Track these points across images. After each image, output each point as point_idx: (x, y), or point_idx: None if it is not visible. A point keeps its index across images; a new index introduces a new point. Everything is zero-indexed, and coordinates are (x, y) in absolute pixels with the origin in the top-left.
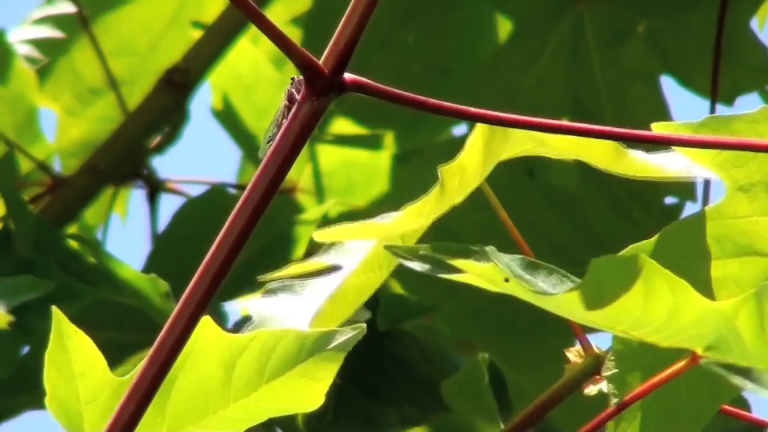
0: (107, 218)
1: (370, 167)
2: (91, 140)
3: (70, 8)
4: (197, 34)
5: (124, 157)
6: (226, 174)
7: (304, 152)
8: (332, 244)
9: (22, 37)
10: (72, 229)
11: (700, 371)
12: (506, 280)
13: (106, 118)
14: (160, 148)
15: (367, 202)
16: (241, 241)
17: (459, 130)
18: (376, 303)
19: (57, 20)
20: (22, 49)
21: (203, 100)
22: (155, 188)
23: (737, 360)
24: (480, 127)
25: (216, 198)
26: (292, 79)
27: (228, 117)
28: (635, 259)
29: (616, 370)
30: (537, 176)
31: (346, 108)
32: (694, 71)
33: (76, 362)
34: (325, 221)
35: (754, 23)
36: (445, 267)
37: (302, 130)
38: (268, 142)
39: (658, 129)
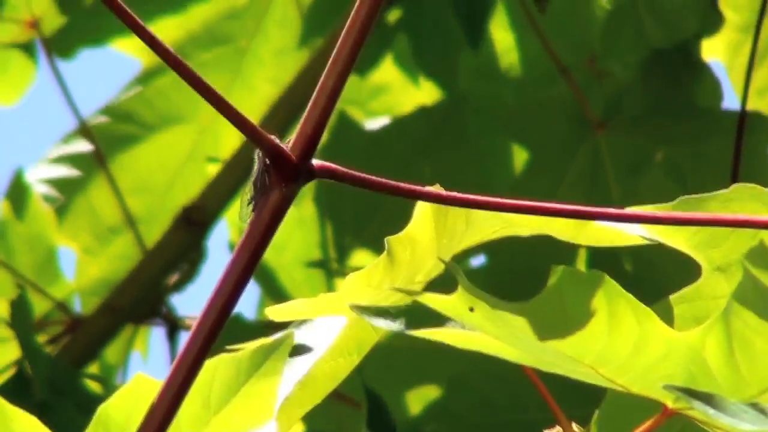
0: (127, 356)
1: None
2: (110, 279)
3: (87, 147)
4: (214, 169)
5: (143, 295)
6: (244, 311)
7: (323, 286)
8: (301, 322)
9: (39, 176)
10: (92, 368)
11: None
12: (471, 310)
13: (124, 256)
14: (178, 286)
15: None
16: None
17: (476, 260)
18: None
19: (74, 159)
20: (40, 188)
21: (221, 236)
22: (174, 326)
23: None
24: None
25: (233, 328)
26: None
27: None
28: (598, 276)
29: None
30: None
31: (364, 240)
32: None
33: None
34: None
35: None
36: (411, 320)
37: (272, 219)
38: (249, 205)
39: (633, 211)
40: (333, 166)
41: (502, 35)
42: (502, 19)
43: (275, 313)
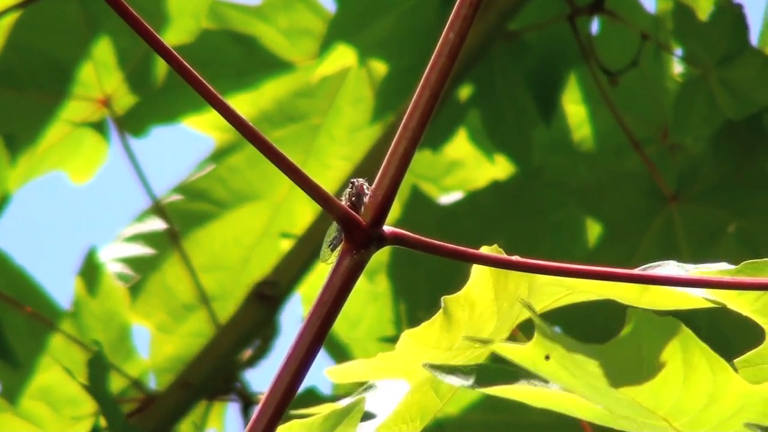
0: None
1: None
2: (184, 356)
3: (161, 225)
4: (287, 245)
5: (217, 371)
6: (319, 386)
7: None
8: (365, 387)
9: (113, 255)
10: None
11: None
12: (547, 358)
13: (198, 333)
14: (252, 362)
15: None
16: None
17: None
18: None
19: (148, 237)
20: (114, 267)
21: (294, 311)
22: (248, 402)
23: None
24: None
25: (309, 401)
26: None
27: None
28: (673, 323)
29: None
30: None
31: None
32: None
33: None
34: None
35: None
36: (483, 377)
37: (343, 284)
38: (329, 247)
39: (695, 275)
40: (403, 232)
41: (574, 109)
42: (574, 93)
43: (335, 374)
